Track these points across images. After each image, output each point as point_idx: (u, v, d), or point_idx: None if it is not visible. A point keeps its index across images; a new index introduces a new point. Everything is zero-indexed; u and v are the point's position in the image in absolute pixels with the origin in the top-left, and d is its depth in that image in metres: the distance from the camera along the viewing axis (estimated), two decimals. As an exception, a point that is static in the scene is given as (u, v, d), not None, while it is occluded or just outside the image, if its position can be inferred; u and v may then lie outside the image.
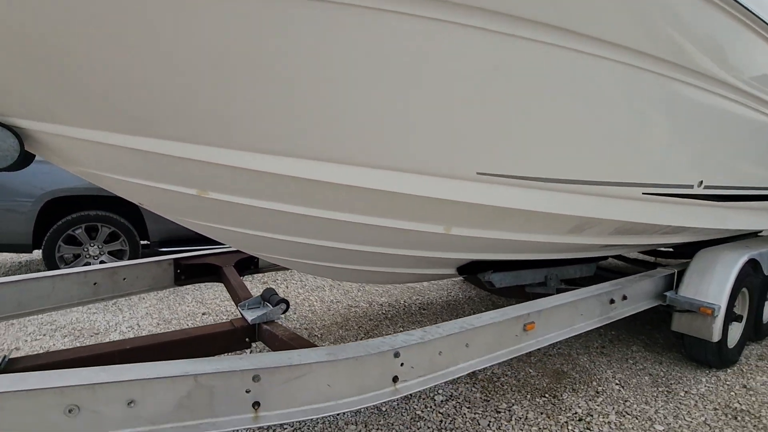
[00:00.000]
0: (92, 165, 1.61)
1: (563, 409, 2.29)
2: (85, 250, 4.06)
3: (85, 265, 4.04)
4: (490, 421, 2.15)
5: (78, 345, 2.90)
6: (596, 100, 1.69)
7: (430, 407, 2.26)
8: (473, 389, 2.46)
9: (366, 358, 1.45)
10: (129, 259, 4.16)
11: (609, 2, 1.47)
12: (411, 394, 2.37)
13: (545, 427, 2.13)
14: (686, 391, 2.52)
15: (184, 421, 1.25)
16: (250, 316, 2.00)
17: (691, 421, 2.22)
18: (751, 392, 2.54)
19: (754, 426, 2.21)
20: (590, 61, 1.59)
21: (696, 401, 2.42)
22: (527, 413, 2.23)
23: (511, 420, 2.17)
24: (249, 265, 2.89)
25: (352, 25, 1.23)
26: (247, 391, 1.31)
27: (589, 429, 2.12)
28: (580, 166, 1.81)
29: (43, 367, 1.44)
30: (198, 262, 2.70)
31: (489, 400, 2.35)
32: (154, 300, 3.78)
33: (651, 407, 2.34)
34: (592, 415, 2.24)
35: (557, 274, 2.78)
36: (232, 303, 3.30)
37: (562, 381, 2.59)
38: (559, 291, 2.62)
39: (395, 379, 1.54)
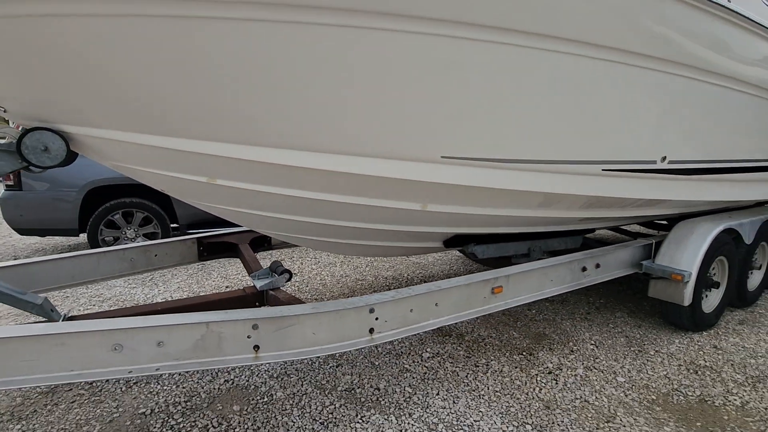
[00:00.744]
0: (123, 160, 1.97)
1: (536, 364, 2.57)
2: (123, 233, 4.57)
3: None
4: (468, 373, 2.46)
5: (121, 313, 3.39)
6: (548, 86, 1.89)
7: (417, 362, 2.59)
8: (458, 348, 2.77)
9: (344, 312, 1.78)
10: (162, 239, 4.64)
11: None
12: (400, 350, 2.70)
13: (517, 378, 2.42)
14: (656, 350, 2.75)
15: (200, 358, 1.62)
16: (259, 283, 2.35)
17: (653, 375, 2.46)
18: (720, 351, 2.74)
19: (712, 379, 2.42)
20: (540, 53, 1.80)
21: (663, 359, 2.65)
22: (503, 367, 2.53)
23: (487, 372, 2.47)
24: (263, 242, 3.25)
25: (332, 42, 1.50)
26: (248, 337, 1.67)
27: (555, 380, 2.40)
28: (537, 147, 2.03)
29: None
30: (217, 240, 3.09)
31: (470, 357, 2.65)
32: (185, 276, 4.25)
33: (618, 363, 2.58)
34: (561, 369, 2.51)
35: (540, 246, 3.00)
36: (250, 281, 3.71)
37: (541, 342, 2.86)
38: (541, 261, 2.86)
39: (371, 331, 1.86)
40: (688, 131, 2.39)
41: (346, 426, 2.00)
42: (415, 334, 2.86)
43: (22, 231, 4.43)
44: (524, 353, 2.70)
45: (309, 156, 1.82)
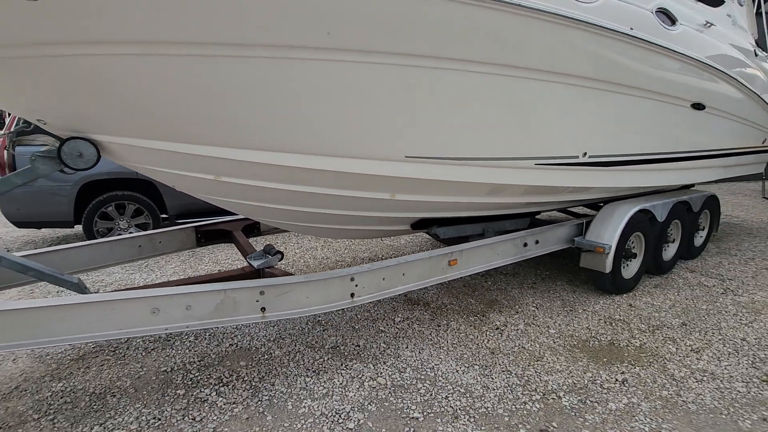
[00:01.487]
0: (142, 162, 2.37)
1: (487, 323, 3.15)
2: (117, 224, 4.88)
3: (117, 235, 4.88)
4: (431, 332, 3.01)
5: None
6: (487, 100, 2.40)
7: (390, 324, 3.12)
8: (425, 313, 3.32)
9: (330, 280, 2.27)
10: (153, 229, 4.98)
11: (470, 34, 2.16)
12: (376, 316, 3.23)
13: (471, 334, 2.99)
14: (584, 309, 3.38)
15: (220, 318, 2.09)
16: (256, 263, 2.80)
17: (577, 327, 3.09)
18: (633, 308, 3.40)
19: (621, 329, 3.07)
20: (479, 75, 2.30)
21: (588, 315, 3.28)
22: (460, 326, 3.10)
23: (447, 330, 3.03)
24: (253, 229, 3.69)
25: (316, 71, 1.94)
26: (257, 301, 2.14)
27: (501, 334, 2.98)
28: (481, 148, 2.56)
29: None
30: (213, 228, 3.50)
31: (434, 320, 3.21)
32: (178, 262, 4.63)
33: (552, 320, 3.20)
34: (506, 326, 3.10)
35: (493, 227, 3.56)
36: (241, 263, 4.15)
37: (493, 306, 3.45)
38: (494, 241, 3.43)
39: (352, 295, 2.37)
40: (604, 131, 2.97)
41: (333, 372, 2.51)
42: (388, 300, 3.41)
43: (19, 224, 4.68)
44: (478, 315, 3.28)
45: (299, 157, 2.28)
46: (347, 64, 1.98)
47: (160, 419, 2.11)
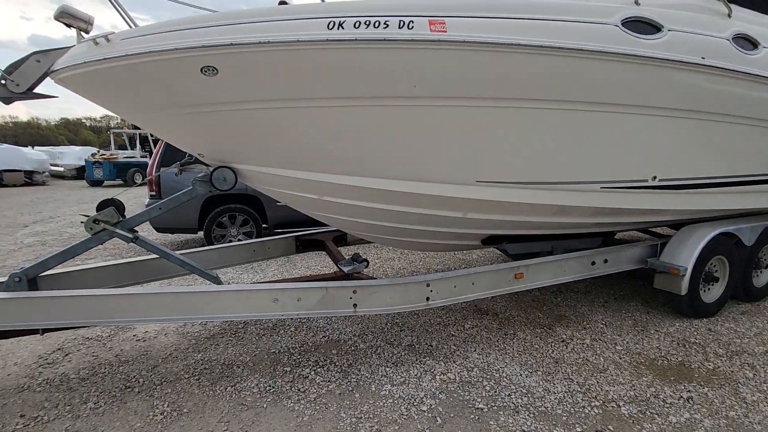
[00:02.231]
0: (265, 184, 3.03)
1: (553, 335, 3.34)
2: (229, 231, 5.83)
3: (228, 242, 5.83)
4: (498, 339, 3.29)
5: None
6: (554, 131, 2.69)
7: (460, 330, 3.45)
8: (493, 322, 3.59)
9: (409, 284, 2.70)
10: (256, 237, 5.87)
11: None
12: (447, 322, 3.58)
13: (536, 344, 3.21)
14: (656, 330, 3.40)
15: (321, 310, 2.62)
16: (346, 268, 3.33)
17: (647, 346, 3.14)
18: (712, 333, 3.34)
19: (696, 351, 3.06)
20: (546, 111, 2.61)
21: (660, 336, 3.30)
22: (526, 336, 3.33)
23: (513, 339, 3.29)
24: (341, 240, 4.27)
25: (407, 114, 2.43)
26: (350, 298, 2.64)
27: (566, 346, 3.16)
28: (546, 173, 2.83)
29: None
30: (310, 238, 4.14)
31: (501, 329, 3.47)
32: (276, 266, 5.41)
33: (621, 337, 3.28)
34: (572, 339, 3.26)
35: (562, 245, 3.74)
36: (327, 269, 4.76)
37: (560, 321, 3.61)
38: (562, 258, 3.61)
39: (427, 299, 2.77)
40: (676, 155, 3.05)
41: (409, 365, 2.92)
42: (458, 308, 3.74)
43: (159, 229, 5.83)
44: (545, 328, 3.47)
45: (386, 182, 2.77)
46: (429, 108, 2.43)
47: (273, 387, 2.68)
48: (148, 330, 3.54)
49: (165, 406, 2.49)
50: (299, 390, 2.64)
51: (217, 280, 3.02)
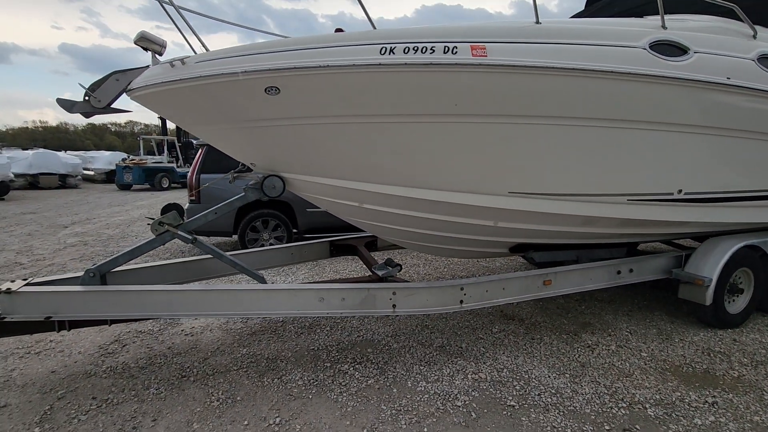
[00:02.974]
0: (310, 192, 3.27)
1: (579, 341, 3.47)
2: (261, 235, 6.11)
3: (261, 246, 6.11)
4: (526, 343, 3.44)
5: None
6: (581, 146, 2.86)
7: (489, 334, 3.61)
8: (520, 327, 3.74)
9: (445, 287, 2.89)
10: (287, 241, 6.13)
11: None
12: (476, 326, 3.74)
13: (561, 349, 3.34)
14: (681, 339, 3.50)
15: (363, 309, 2.83)
16: (380, 272, 3.53)
17: (672, 354, 3.25)
18: (737, 343, 3.42)
19: (720, 360, 3.16)
20: (574, 128, 2.79)
21: (685, 344, 3.40)
22: (552, 341, 3.47)
23: (540, 344, 3.43)
24: (373, 245, 4.48)
25: (445, 130, 2.64)
26: (390, 299, 2.84)
27: (592, 351, 3.29)
28: (575, 186, 2.99)
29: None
30: (343, 243, 4.36)
31: (528, 333, 3.62)
32: (306, 270, 5.65)
33: (646, 344, 3.40)
34: (597, 345, 3.39)
35: (588, 255, 3.87)
36: (356, 273, 4.97)
37: (586, 328, 3.73)
38: (587, 267, 3.75)
39: (461, 302, 2.95)
40: (700, 170, 3.18)
41: (442, 365, 3.10)
42: (485, 313, 3.90)
43: (197, 232, 6.14)
44: (570, 334, 3.60)
45: (421, 191, 2.97)
46: (467, 125, 2.64)
47: (316, 381, 2.89)
48: (195, 326, 3.80)
49: (220, 393, 2.72)
50: (341, 384, 2.84)
51: (263, 280, 3.26)
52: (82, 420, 2.45)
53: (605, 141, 2.87)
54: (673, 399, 2.66)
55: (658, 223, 3.44)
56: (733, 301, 3.68)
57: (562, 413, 2.52)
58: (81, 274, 2.88)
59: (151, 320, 3.79)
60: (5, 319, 2.56)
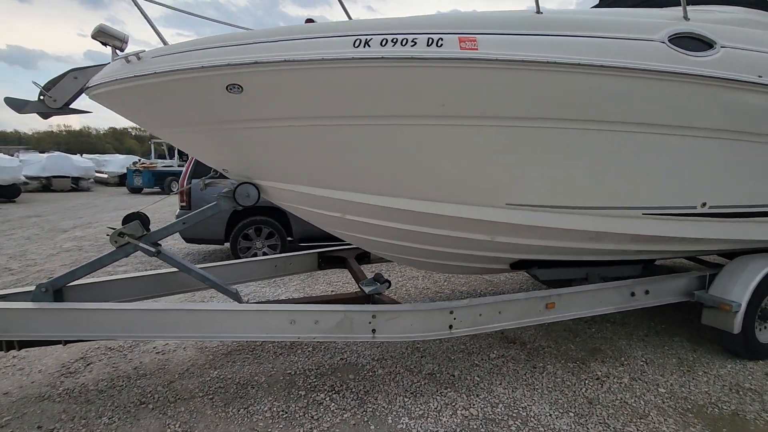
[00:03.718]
0: (289, 201, 2.99)
1: (587, 371, 3.09)
2: (254, 243, 5.86)
3: (253, 254, 5.86)
4: (526, 372, 3.08)
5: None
6: (591, 151, 2.51)
7: (485, 360, 3.26)
8: (520, 353, 3.38)
9: (432, 311, 2.56)
10: (281, 250, 5.87)
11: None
12: (472, 350, 3.39)
13: (568, 380, 2.97)
14: (705, 372, 3.09)
15: (339, 334, 2.51)
16: (367, 289, 3.22)
17: (694, 390, 2.85)
18: (770, 378, 3.00)
19: (751, 399, 2.75)
20: (576, 133, 2.44)
21: (709, 379, 3.00)
22: (557, 371, 3.10)
23: (543, 373, 3.07)
24: (364, 257, 4.17)
25: (431, 133, 2.34)
26: (369, 323, 2.53)
27: (601, 384, 2.91)
28: (582, 197, 2.65)
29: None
30: (332, 255, 4.07)
31: (530, 360, 3.25)
32: (299, 281, 5.37)
33: (664, 378, 3.00)
34: (608, 377, 3.00)
35: (598, 272, 3.50)
36: (350, 287, 4.67)
37: (595, 355, 3.35)
38: (598, 286, 3.37)
39: (450, 327, 2.62)
40: (729, 180, 2.79)
41: (429, 397, 2.76)
42: (484, 335, 3.55)
43: (188, 239, 5.94)
44: (578, 362, 3.23)
45: (410, 202, 2.66)
46: (457, 127, 2.32)
47: (286, 413, 2.58)
48: (168, 343, 3.54)
49: (177, 426, 2.43)
50: (313, 417, 2.53)
51: (237, 296, 2.98)
52: (18, 455, 2.20)
53: (617, 147, 2.52)
54: (696, 449, 2.28)
55: (677, 240, 3.05)
56: (766, 328, 3.26)
57: (563, 463, 2.16)
58: (33, 288, 2.65)
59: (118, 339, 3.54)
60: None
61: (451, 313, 2.60)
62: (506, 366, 3.17)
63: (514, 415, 2.56)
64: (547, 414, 2.57)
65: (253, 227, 5.81)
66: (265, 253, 5.91)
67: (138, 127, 3.21)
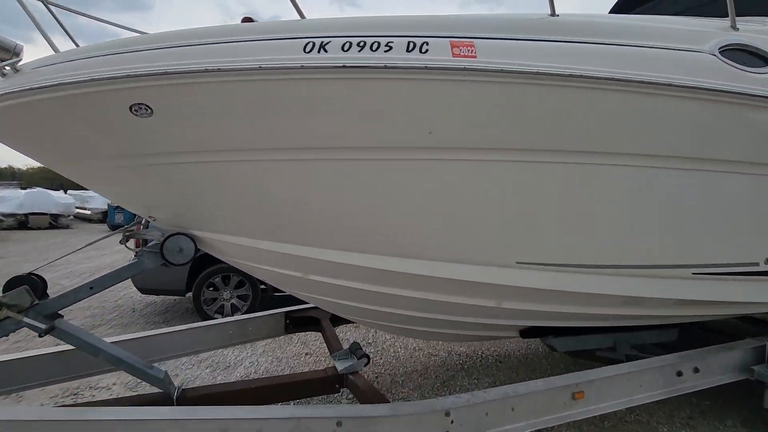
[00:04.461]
0: (234, 257, 2.34)
1: (627, 479, 2.34)
2: (221, 294, 5.12)
3: (220, 306, 5.11)
4: (548, 482, 2.32)
5: (216, 374, 3.76)
6: (629, 195, 1.91)
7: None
8: (537, 448, 2.62)
9: (421, 415, 1.85)
10: (252, 300, 5.13)
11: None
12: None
13: (605, 494, 2.22)
14: (780, 478, 2.36)
15: (290, 449, 1.78)
16: (340, 366, 2.51)
17: None
18: None
19: None
20: (620, 167, 1.85)
21: (790, 491, 2.26)
22: (588, 478, 2.35)
23: (570, 483, 2.31)
24: (341, 318, 3.46)
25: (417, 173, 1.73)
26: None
27: (651, 503, 2.16)
28: (617, 253, 2.02)
29: (205, 397, 2.13)
30: (302, 315, 3.36)
31: (551, 461, 2.50)
32: (269, 340, 4.59)
33: (730, 490, 2.26)
34: (657, 490, 2.26)
35: (628, 339, 2.82)
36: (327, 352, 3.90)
37: (633, 450, 2.61)
38: (629, 358, 2.69)
39: (447, 434, 1.90)
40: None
41: None
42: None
43: (143, 290, 5.18)
44: (613, 463, 2.48)
45: (390, 260, 2.02)
46: (449, 163, 1.72)
47: None
48: None
49: None
50: None
51: (164, 383, 2.25)
52: None
53: (658, 188, 1.93)
54: None
55: (732, 304, 2.41)
56: None
57: None
58: None
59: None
60: None
61: (448, 415, 1.89)
62: (521, 471, 2.41)
63: None
64: None
65: (220, 275, 5.09)
66: (234, 306, 5.17)
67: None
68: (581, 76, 1.57)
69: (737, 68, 1.85)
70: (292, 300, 2.98)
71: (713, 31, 1.95)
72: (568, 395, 2.13)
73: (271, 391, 2.34)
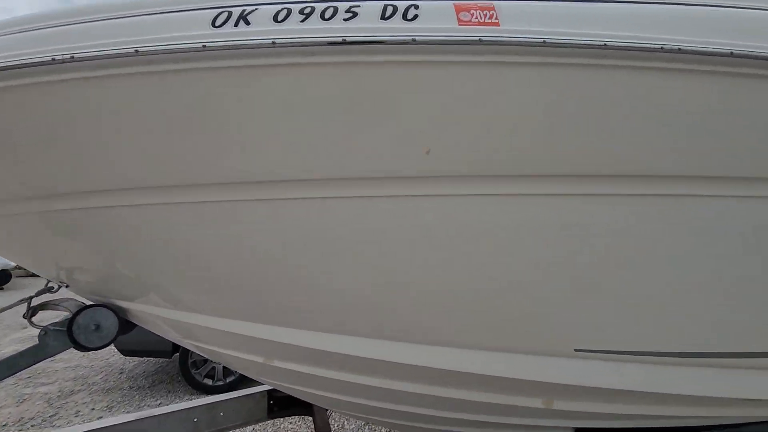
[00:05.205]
0: (181, 335, 1.74)
1: None
2: (211, 356, 4.49)
3: (211, 369, 4.46)
4: None
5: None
6: (731, 258, 1.23)
7: None
8: None
9: None
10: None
11: None
12: None
13: None
14: None
15: None
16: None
17: None
18: None
19: None
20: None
21: None
22: None
23: None
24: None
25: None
26: None
27: None
28: (714, 335, 1.32)
29: None
30: (287, 395, 2.68)
31: None
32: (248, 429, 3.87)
33: None
34: None
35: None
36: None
37: None
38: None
39: None
40: None
41: None
42: None
43: (125, 352, 4.62)
44: None
45: (377, 344, 1.41)
46: (460, 200, 1.10)
47: None
48: None
49: None
50: None
51: None
52: None
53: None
54: None
55: None
56: None
57: None
58: None
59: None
60: None
61: None
62: None
63: None
64: None
65: (211, 334, 4.49)
66: (225, 369, 4.50)
67: None
68: (701, 52, 0.92)
69: None
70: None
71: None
72: None
73: None
